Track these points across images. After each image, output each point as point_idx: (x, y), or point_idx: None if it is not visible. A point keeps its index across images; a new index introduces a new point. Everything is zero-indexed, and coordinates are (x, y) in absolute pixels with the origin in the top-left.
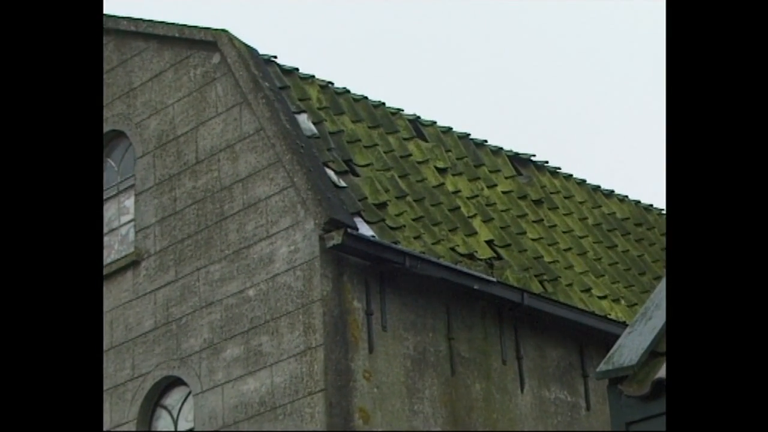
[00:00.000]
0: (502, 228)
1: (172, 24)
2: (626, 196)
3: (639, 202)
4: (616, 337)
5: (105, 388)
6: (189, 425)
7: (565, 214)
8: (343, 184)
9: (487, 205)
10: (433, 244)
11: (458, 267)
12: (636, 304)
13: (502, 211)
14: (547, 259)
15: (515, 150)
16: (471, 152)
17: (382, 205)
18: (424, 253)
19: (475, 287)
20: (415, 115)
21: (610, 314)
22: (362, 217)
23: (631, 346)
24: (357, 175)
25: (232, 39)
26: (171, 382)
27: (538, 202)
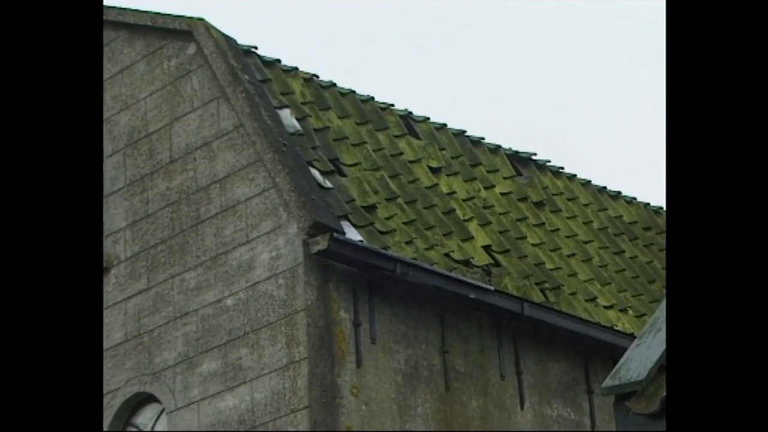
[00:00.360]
0: (500, 232)
1: (144, 12)
2: (634, 198)
3: (648, 204)
4: (624, 349)
5: None
6: None
7: (568, 218)
8: (328, 185)
9: (484, 207)
10: (426, 249)
11: (453, 274)
12: (645, 314)
13: (500, 214)
14: (548, 265)
15: (515, 148)
16: (467, 151)
17: (371, 208)
18: (416, 259)
19: (472, 296)
20: (406, 110)
21: (616, 325)
22: (349, 221)
23: (639, 360)
24: (344, 176)
25: (209, 28)
26: (143, 399)
27: (539, 205)
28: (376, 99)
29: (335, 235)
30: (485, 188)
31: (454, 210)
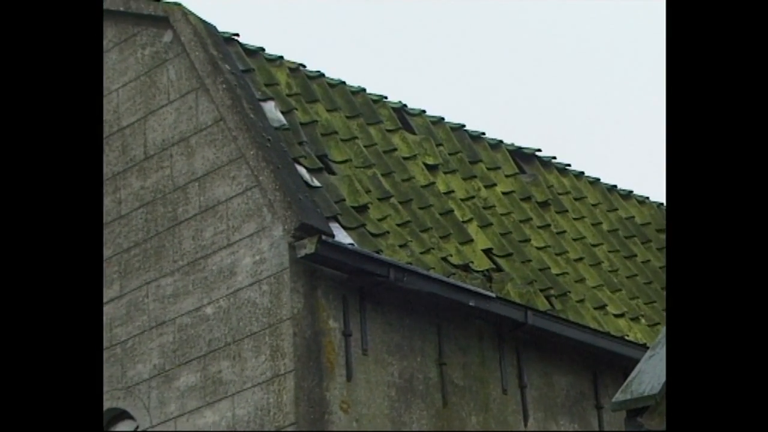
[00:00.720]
0: (502, 235)
1: None
2: (647, 198)
3: (662, 204)
4: (636, 361)
5: None
6: None
7: (575, 219)
8: (316, 183)
9: (484, 207)
10: (421, 253)
11: (451, 280)
12: (658, 323)
13: (502, 214)
14: (554, 270)
15: (517, 144)
16: (466, 146)
17: (363, 208)
18: (411, 264)
19: (471, 304)
20: (401, 103)
21: (628, 335)
22: (339, 222)
23: (652, 372)
24: (333, 173)
25: (186, 14)
26: (115, 416)
27: (544, 205)
28: (367, 91)
29: (324, 237)
30: (486, 187)
31: (452, 210)
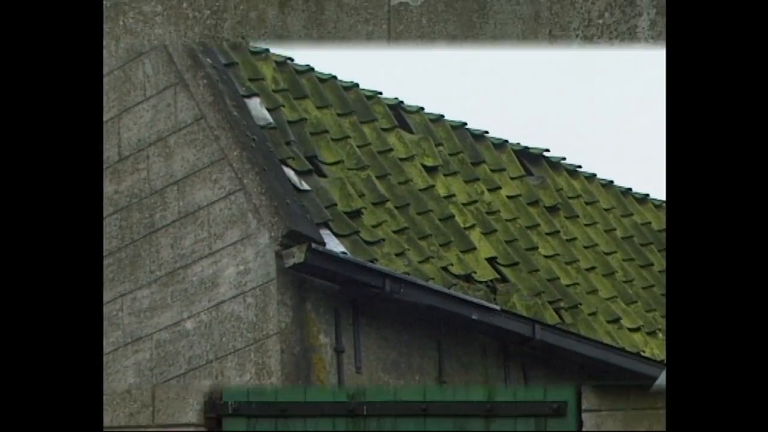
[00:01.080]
0: (507, 242)
1: None
2: (664, 202)
3: None
4: (652, 380)
5: None
6: None
7: (586, 225)
8: (306, 186)
9: (488, 213)
10: (420, 262)
11: (452, 292)
12: None
13: (507, 220)
14: (564, 281)
15: (524, 143)
16: (468, 146)
17: (356, 214)
18: (408, 274)
19: (474, 317)
20: (397, 99)
21: (644, 351)
22: (330, 229)
23: None
24: (324, 176)
25: None
26: None
27: (552, 210)
28: (361, 86)
29: (313, 245)
30: (489, 190)
31: (453, 216)
